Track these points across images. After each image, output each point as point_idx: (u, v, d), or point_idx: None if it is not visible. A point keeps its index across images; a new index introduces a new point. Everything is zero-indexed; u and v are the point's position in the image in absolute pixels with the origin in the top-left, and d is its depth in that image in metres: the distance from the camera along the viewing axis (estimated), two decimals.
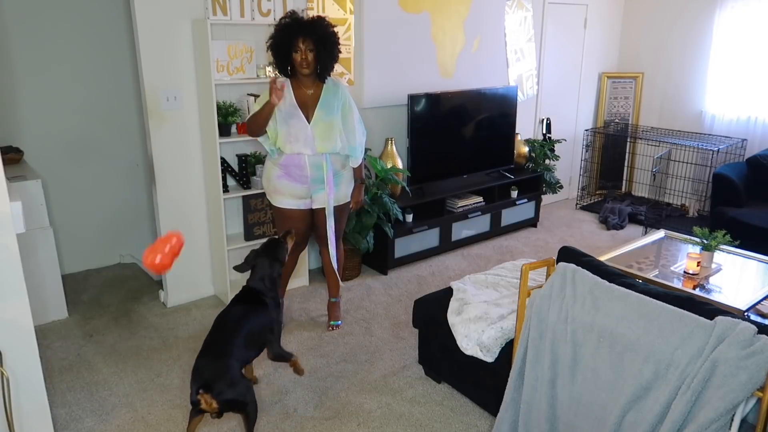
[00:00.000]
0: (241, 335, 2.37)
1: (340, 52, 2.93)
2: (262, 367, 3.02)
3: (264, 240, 2.90)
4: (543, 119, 5.54)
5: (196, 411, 2.23)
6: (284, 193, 3.04)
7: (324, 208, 3.10)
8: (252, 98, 3.49)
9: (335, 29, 2.87)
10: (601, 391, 1.91)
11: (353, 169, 3.17)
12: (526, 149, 5.12)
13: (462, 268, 4.30)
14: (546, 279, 2.22)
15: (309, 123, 2.90)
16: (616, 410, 1.85)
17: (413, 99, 4.17)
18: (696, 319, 1.78)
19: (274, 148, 3.00)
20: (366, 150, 4.01)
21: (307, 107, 2.93)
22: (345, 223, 3.32)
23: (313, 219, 3.16)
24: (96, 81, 3.94)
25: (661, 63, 5.77)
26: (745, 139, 5.21)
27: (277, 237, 2.78)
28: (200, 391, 2.15)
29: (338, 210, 3.15)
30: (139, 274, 4.17)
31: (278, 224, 3.19)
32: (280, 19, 2.83)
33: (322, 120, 2.92)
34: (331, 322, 3.41)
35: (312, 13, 3.80)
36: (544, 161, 5.22)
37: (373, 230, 3.98)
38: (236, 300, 2.55)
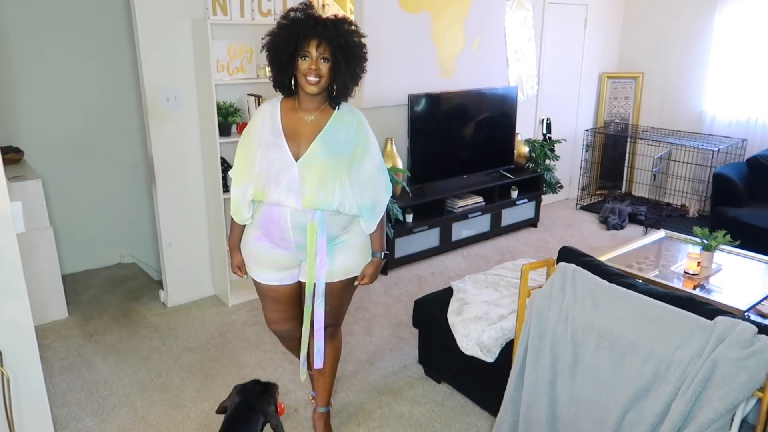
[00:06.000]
0: None
1: (365, 71, 2.06)
2: (262, 367, 3.02)
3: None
4: (543, 119, 5.54)
5: None
6: (262, 261, 2.14)
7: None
8: (252, 98, 3.49)
9: (364, 40, 2.04)
10: (601, 391, 1.91)
11: (371, 235, 2.19)
12: (526, 149, 5.12)
13: (462, 268, 4.30)
14: (546, 279, 2.21)
15: (297, 160, 2.01)
16: (616, 410, 1.85)
17: (413, 99, 4.17)
18: (696, 320, 1.78)
19: (250, 213, 2.11)
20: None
21: (299, 138, 2.03)
22: (347, 305, 2.32)
23: (301, 296, 2.22)
24: (96, 81, 3.94)
25: (661, 63, 5.77)
26: (745, 139, 5.21)
27: (264, 382, 2.07)
28: None
29: (338, 288, 2.18)
30: (139, 274, 4.17)
31: (262, 308, 2.31)
32: (288, 11, 2.00)
33: (318, 157, 2.00)
34: None
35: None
36: (544, 161, 5.22)
37: None
38: None
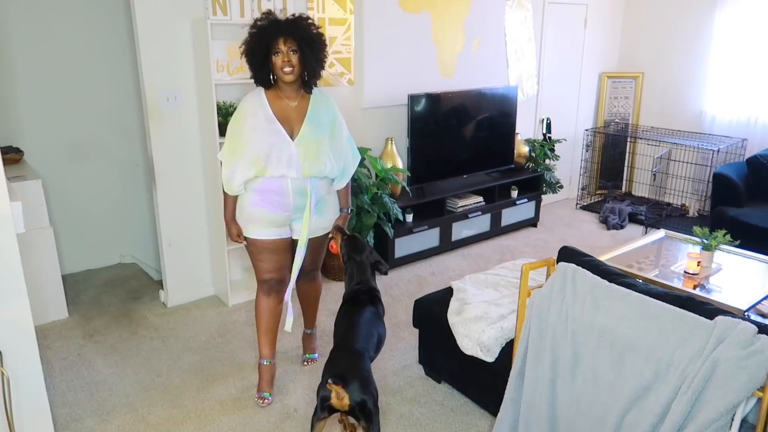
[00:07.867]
0: (374, 338, 2.33)
1: (327, 56, 2.55)
2: None
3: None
4: (543, 119, 5.54)
5: (323, 409, 2.03)
6: (261, 221, 2.58)
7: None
8: None
9: (321, 30, 2.51)
10: (601, 391, 1.91)
11: (338, 192, 2.74)
12: (526, 149, 5.12)
13: (462, 268, 4.30)
14: (546, 279, 2.21)
15: (293, 140, 2.49)
16: (616, 410, 1.85)
17: (413, 99, 4.17)
18: (696, 319, 1.77)
19: (242, 186, 2.54)
20: (367, 150, 4.03)
21: (291, 122, 2.51)
22: (325, 251, 2.86)
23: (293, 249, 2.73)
24: (96, 81, 3.94)
25: (661, 63, 5.77)
26: (745, 139, 5.21)
27: (351, 234, 2.62)
28: (333, 381, 1.97)
29: (318, 241, 2.74)
30: (139, 274, 4.17)
31: (256, 262, 2.69)
32: (255, 21, 2.46)
33: (310, 137, 2.50)
34: (307, 355, 3.08)
35: (312, 13, 3.80)
36: (544, 161, 5.22)
37: (373, 230, 3.98)
38: (365, 300, 2.44)
